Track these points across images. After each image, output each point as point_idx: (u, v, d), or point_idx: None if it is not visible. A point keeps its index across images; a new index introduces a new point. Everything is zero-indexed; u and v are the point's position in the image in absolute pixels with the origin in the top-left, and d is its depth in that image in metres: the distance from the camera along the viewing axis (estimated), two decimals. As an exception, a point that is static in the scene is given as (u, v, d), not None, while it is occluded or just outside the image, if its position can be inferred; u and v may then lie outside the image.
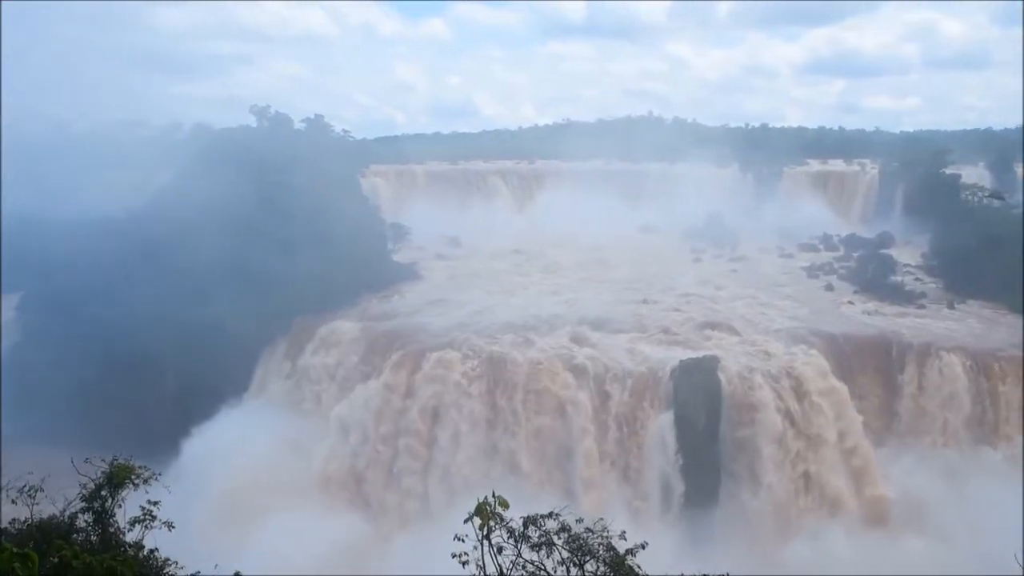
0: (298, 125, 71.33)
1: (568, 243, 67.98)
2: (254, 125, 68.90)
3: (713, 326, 41.28)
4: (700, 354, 36.54)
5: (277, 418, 39.90)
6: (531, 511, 8.58)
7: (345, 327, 42.94)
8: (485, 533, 7.99)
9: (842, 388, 36.27)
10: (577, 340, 39.37)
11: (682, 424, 34.40)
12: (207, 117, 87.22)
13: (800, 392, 35.32)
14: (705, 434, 34.63)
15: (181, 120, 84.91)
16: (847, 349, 38.97)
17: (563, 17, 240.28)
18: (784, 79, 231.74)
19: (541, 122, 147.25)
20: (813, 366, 36.44)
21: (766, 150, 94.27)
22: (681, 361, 35.74)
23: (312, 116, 72.36)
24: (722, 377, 34.87)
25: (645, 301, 46.59)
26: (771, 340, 39.02)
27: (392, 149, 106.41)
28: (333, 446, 38.56)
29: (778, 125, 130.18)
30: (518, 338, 39.52)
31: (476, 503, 8.03)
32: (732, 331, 40.51)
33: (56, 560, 5.47)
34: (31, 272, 50.11)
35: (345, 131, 77.33)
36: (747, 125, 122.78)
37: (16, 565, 4.28)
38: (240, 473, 35.95)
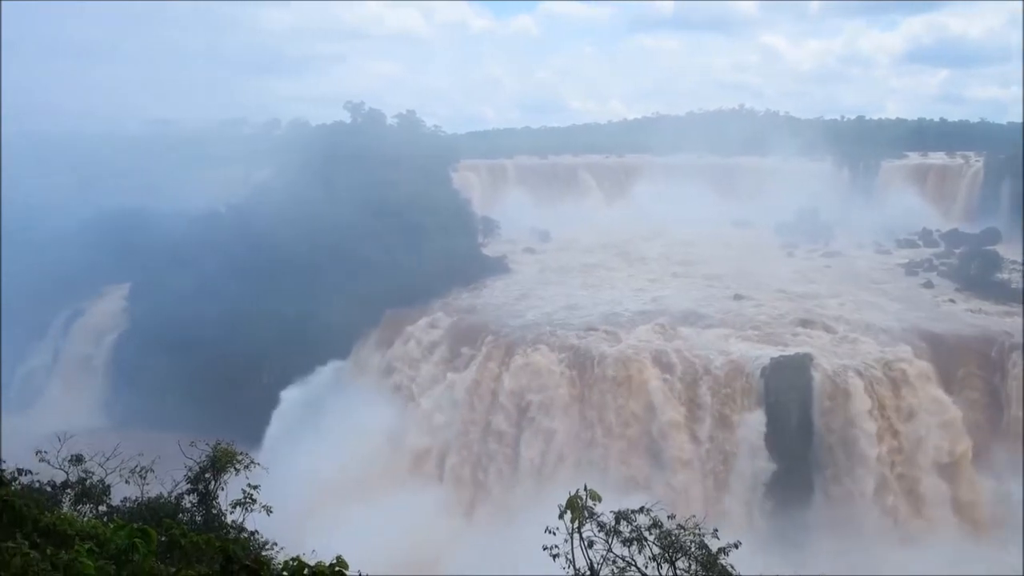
0: (391, 121, 72.61)
1: (658, 237, 67.17)
2: (348, 121, 70.47)
3: (806, 323, 40.14)
4: (793, 351, 35.58)
5: (368, 407, 40.72)
6: (618, 506, 8.53)
7: (436, 319, 43.56)
8: (576, 527, 7.99)
9: (941, 389, 34.74)
10: (666, 335, 38.91)
11: (774, 423, 33.60)
12: (304, 114, 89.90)
13: (897, 392, 34.04)
14: (798, 433, 33.75)
15: (279, 117, 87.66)
16: (948, 348, 37.22)
17: (653, 11, 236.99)
18: (882, 69, 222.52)
19: (630, 116, 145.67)
20: (911, 366, 35.02)
21: (863, 143, 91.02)
22: (773, 358, 34.89)
23: (404, 112, 73.59)
24: (815, 375, 33.89)
25: (736, 297, 45.67)
26: (867, 338, 37.65)
27: (482, 143, 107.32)
28: (423, 435, 39.24)
29: (876, 117, 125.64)
30: (607, 332, 39.34)
31: (567, 496, 8.03)
32: (826, 328, 39.31)
33: (165, 538, 5.74)
34: (140, 264, 52.69)
35: (436, 126, 78.34)
36: (843, 117, 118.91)
37: (137, 540, 4.52)
38: (332, 459, 36.92)
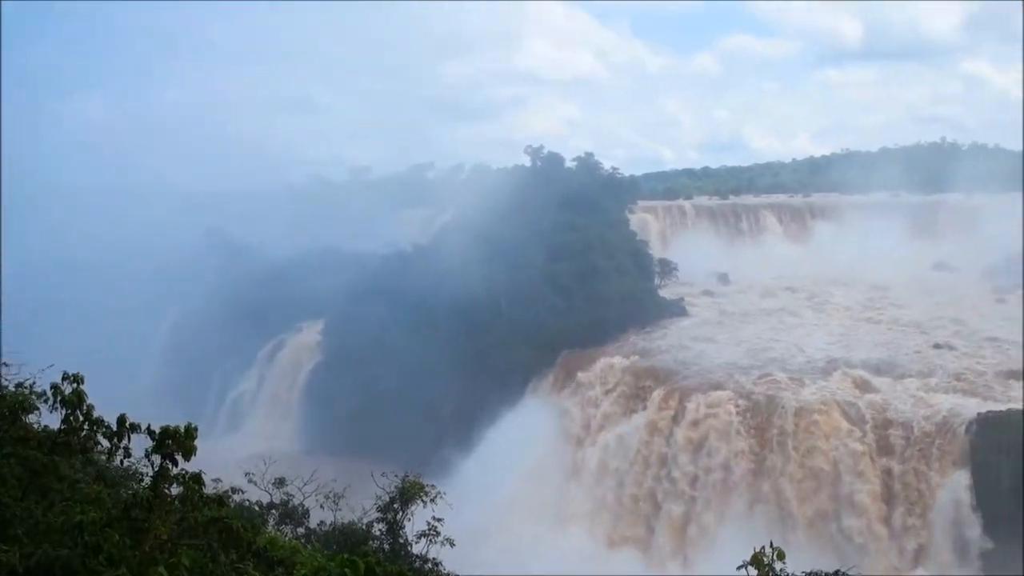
0: (569, 164, 73.96)
1: (848, 281, 63.56)
2: (528, 165, 72.39)
3: (1019, 376, 36.49)
4: (1004, 407, 32.42)
5: (542, 448, 41.10)
6: (800, 568, 8.13)
7: (611, 362, 43.38)
8: (760, 584, 7.69)
9: None
10: (856, 384, 36.64)
11: (981, 486, 30.58)
12: (486, 158, 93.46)
13: None
14: (1010, 499, 30.50)
15: (463, 162, 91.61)
16: None
17: (839, 42, 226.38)
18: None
19: (817, 153, 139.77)
20: None
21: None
22: (980, 414, 31.91)
23: (583, 155, 74.68)
24: (1032, 435, 30.63)
25: (937, 346, 42.33)
26: (1095, 395, 33.69)
27: (660, 184, 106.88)
28: (595, 479, 39.05)
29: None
30: (790, 380, 37.61)
31: (752, 552, 7.77)
32: (1045, 383, 35.56)
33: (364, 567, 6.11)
34: (334, 300, 56.36)
35: (614, 168, 78.89)
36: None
37: (347, 571, 4.84)
38: (503, 498, 37.50)
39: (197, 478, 5.24)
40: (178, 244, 68.63)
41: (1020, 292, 57.39)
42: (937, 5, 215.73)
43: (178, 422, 5.30)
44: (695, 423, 36.33)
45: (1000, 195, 77.29)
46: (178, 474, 5.18)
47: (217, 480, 11.88)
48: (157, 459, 5.17)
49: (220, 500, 5.54)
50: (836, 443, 33.38)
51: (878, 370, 38.44)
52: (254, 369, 58.80)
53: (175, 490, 5.27)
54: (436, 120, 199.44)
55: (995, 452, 30.81)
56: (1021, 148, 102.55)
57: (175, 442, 5.12)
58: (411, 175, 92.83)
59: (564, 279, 51.86)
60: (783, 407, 35.12)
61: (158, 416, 6.05)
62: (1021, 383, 35.64)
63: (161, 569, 4.52)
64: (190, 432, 5.19)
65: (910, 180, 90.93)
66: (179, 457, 5.18)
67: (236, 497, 11.91)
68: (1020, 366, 37.87)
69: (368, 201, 78.63)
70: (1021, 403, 32.84)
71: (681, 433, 36.53)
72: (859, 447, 32.86)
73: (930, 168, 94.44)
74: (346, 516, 13.36)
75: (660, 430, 37.39)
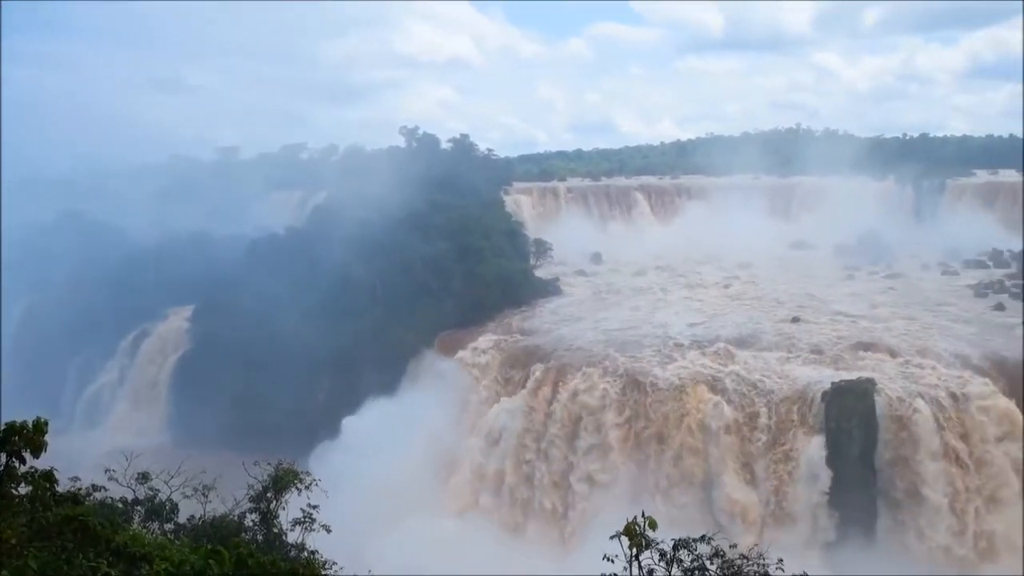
0: (445, 145, 73.69)
1: (713, 260, 66.50)
2: (403, 146, 71.58)
3: (868, 347, 39.09)
4: (854, 375, 34.72)
5: (420, 428, 40.93)
6: (673, 534, 8.43)
7: (488, 341, 43.69)
8: (634, 554, 7.93)
9: (1016, 416, 33.42)
10: (722, 359, 38.36)
11: (835, 450, 32.70)
12: (360, 139, 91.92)
13: (967, 420, 32.79)
14: (860, 462, 32.76)
15: (337, 143, 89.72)
16: (1020, 374, 35.89)
17: (703, 32, 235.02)
18: (943, 86, 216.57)
19: (683, 137, 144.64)
20: (982, 391, 33.76)
21: (926, 161, 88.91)
22: (834, 383, 34.06)
23: (458, 136, 74.55)
24: (879, 401, 32.94)
25: (795, 320, 44.86)
26: (934, 363, 36.46)
27: (535, 167, 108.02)
28: (473, 459, 39.29)
29: (939, 135, 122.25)
30: (661, 355, 38.97)
31: (624, 523, 7.99)
32: (890, 352, 38.21)
33: (233, 558, 5.88)
34: (202, 286, 54.11)
35: (489, 150, 79.26)
36: (904, 135, 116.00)
37: (211, 562, 4.64)
38: (380, 479, 37.14)
39: (48, 476, 4.90)
40: (29, 226, 63.93)
41: (869, 269, 61.67)
42: (792, 4, 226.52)
43: (28, 418, 4.93)
44: (571, 400, 37.12)
45: (849, 178, 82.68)
46: (27, 472, 4.82)
47: (75, 478, 11.22)
48: (3, 457, 4.79)
49: (75, 498, 5.21)
50: (703, 415, 34.87)
51: (742, 344, 40.35)
52: (115, 360, 55.74)
53: (24, 489, 4.90)
54: (311, 102, 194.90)
55: (847, 418, 32.97)
56: (866, 135, 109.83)
57: (22, 438, 4.75)
58: (283, 156, 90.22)
59: (441, 261, 51.70)
60: (654, 382, 36.35)
61: (7, 413, 5.61)
62: (871, 353, 38.27)
63: (4, 573, 4.19)
64: (39, 427, 4.83)
65: (769, 163, 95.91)
66: (27, 454, 4.81)
67: (97, 495, 11.25)
68: (868, 338, 40.64)
69: (238, 183, 75.85)
70: (870, 373, 35.32)
71: (558, 411, 37.24)
72: (725, 418, 34.44)
73: (787, 152, 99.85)
74: (218, 508, 12.89)
75: (538, 409, 37.98)
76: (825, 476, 32.37)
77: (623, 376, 37.22)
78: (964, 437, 32.48)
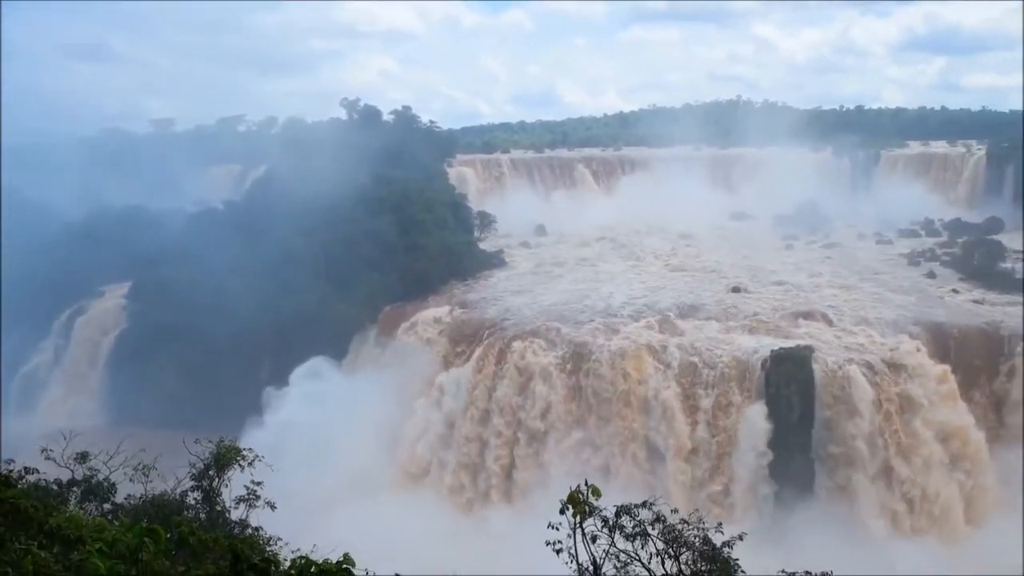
0: (387, 117, 72.78)
1: (655, 230, 67.24)
2: (344, 118, 70.45)
3: (806, 315, 40.14)
4: (793, 343, 35.61)
5: (365, 403, 40.72)
6: (620, 501, 8.55)
7: (432, 314, 43.56)
8: (578, 522, 8.03)
9: (947, 380, 34.72)
10: (665, 328, 38.93)
11: (774, 416, 33.59)
12: (301, 111, 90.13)
13: (901, 384, 33.99)
14: (799, 427, 33.75)
15: (276, 115, 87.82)
16: (952, 339, 37.18)
17: (646, 3, 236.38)
18: (879, 58, 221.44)
19: (626, 109, 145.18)
20: (915, 357, 35.00)
21: (862, 132, 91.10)
22: (773, 351, 34.90)
23: (400, 108, 73.64)
24: (817, 368, 33.89)
25: (735, 289, 45.70)
26: (869, 330, 37.66)
27: (478, 139, 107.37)
28: (420, 431, 39.28)
29: (875, 107, 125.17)
30: (604, 326, 39.34)
31: (568, 492, 8.07)
32: (827, 320, 39.33)
33: (174, 536, 5.78)
34: (139, 262, 52.66)
35: (432, 122, 78.57)
36: (841, 107, 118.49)
37: (146, 540, 4.55)
38: (331, 456, 36.90)
39: (-25, 459, 4.71)
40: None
41: (807, 239, 63.04)
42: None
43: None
44: (516, 372, 37.30)
45: (788, 149, 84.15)
46: (-49, 456, 4.63)
47: (10, 461, 10.92)
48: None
49: (7, 481, 5.04)
50: (647, 385, 35.41)
51: (684, 314, 40.99)
52: (49, 339, 54.01)
53: (-52, 474, 4.72)
54: (248, 73, 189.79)
55: (786, 385, 33.84)
56: (805, 107, 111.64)
57: (-55, 421, 4.56)
58: (220, 129, 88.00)
59: (384, 234, 51.20)
60: (598, 352, 36.73)
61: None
62: (809, 322, 39.24)
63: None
64: (-37, 409, 4.64)
65: (710, 134, 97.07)
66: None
67: (30, 478, 10.94)
68: (807, 306, 41.65)
69: (173, 156, 73.68)
70: (808, 340, 36.23)
71: (504, 383, 37.40)
72: (669, 387, 35.04)
73: (727, 124, 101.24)
74: (159, 488, 12.64)
75: (483, 382, 38.07)
76: (765, 441, 33.26)
77: (567, 346, 37.51)
78: (897, 401, 33.62)
